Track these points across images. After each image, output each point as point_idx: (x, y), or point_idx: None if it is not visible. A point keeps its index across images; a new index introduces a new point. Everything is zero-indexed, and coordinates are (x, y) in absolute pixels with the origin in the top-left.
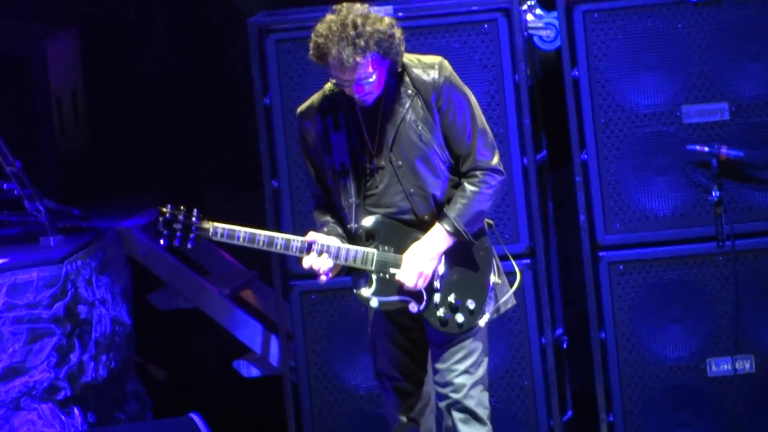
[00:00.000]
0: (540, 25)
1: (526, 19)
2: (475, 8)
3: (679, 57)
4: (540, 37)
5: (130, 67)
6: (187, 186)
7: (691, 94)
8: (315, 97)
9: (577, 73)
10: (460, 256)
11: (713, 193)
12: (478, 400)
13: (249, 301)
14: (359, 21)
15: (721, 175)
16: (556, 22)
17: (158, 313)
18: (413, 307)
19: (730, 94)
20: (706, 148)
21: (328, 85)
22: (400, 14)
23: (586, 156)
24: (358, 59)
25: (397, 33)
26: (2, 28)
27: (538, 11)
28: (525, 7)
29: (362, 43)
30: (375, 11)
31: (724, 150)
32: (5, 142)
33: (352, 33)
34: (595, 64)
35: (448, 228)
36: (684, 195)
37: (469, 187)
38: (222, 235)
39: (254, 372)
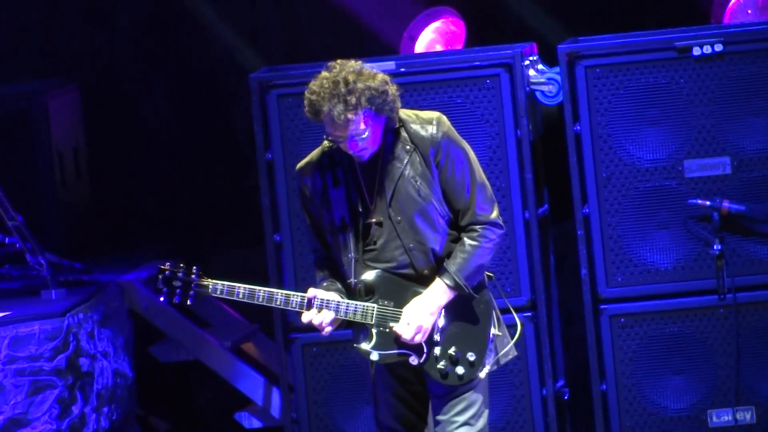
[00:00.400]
0: (542, 80)
1: (528, 75)
2: (477, 63)
3: (681, 112)
4: (542, 92)
5: (132, 122)
6: (189, 240)
7: (692, 149)
8: (314, 153)
9: (579, 127)
10: (460, 308)
11: (714, 247)
12: None
13: (250, 354)
14: (351, 78)
15: (722, 229)
16: (558, 78)
17: (160, 365)
18: (413, 360)
19: (731, 149)
20: (708, 202)
21: (327, 142)
22: (402, 69)
23: (587, 210)
24: (350, 116)
25: (391, 89)
26: (5, 83)
27: (540, 66)
28: (527, 62)
29: (353, 100)
30: (377, 66)
31: (725, 204)
32: (7, 196)
33: (343, 90)
34: (597, 118)
35: (448, 282)
36: (685, 248)
37: (468, 242)
38: (221, 292)
39: (256, 423)
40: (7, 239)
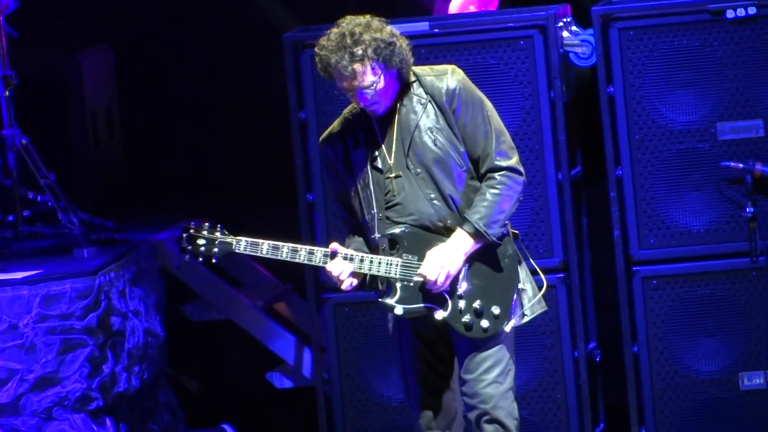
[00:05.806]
0: (576, 42)
1: (561, 36)
2: (511, 25)
3: (714, 74)
4: (575, 53)
5: (165, 82)
6: (221, 199)
7: (725, 111)
8: (335, 123)
9: (612, 89)
10: (485, 262)
11: (747, 209)
12: (508, 411)
13: (282, 314)
14: (357, 30)
15: (755, 192)
16: (592, 39)
17: (191, 324)
18: (438, 314)
19: (764, 111)
20: (741, 165)
21: (347, 109)
22: (436, 30)
23: (620, 172)
24: (356, 67)
25: (400, 42)
26: (39, 43)
27: (574, 28)
28: (561, 24)
29: (359, 51)
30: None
31: (758, 166)
32: (40, 154)
33: (349, 42)
34: (630, 80)
35: (469, 230)
36: (718, 211)
37: (488, 190)
38: (245, 248)
39: (287, 383)
40: (39, 197)
